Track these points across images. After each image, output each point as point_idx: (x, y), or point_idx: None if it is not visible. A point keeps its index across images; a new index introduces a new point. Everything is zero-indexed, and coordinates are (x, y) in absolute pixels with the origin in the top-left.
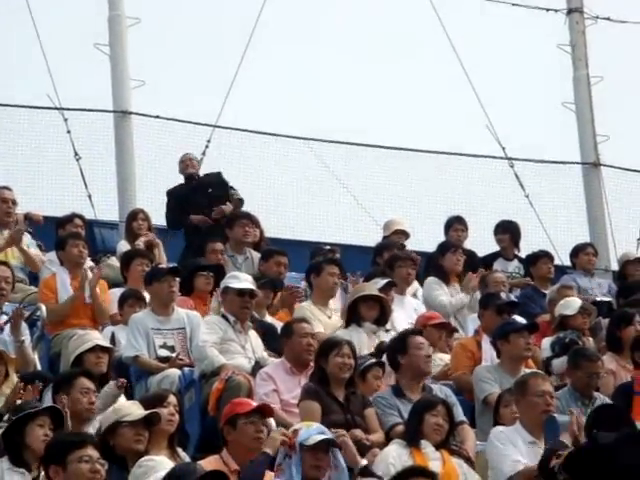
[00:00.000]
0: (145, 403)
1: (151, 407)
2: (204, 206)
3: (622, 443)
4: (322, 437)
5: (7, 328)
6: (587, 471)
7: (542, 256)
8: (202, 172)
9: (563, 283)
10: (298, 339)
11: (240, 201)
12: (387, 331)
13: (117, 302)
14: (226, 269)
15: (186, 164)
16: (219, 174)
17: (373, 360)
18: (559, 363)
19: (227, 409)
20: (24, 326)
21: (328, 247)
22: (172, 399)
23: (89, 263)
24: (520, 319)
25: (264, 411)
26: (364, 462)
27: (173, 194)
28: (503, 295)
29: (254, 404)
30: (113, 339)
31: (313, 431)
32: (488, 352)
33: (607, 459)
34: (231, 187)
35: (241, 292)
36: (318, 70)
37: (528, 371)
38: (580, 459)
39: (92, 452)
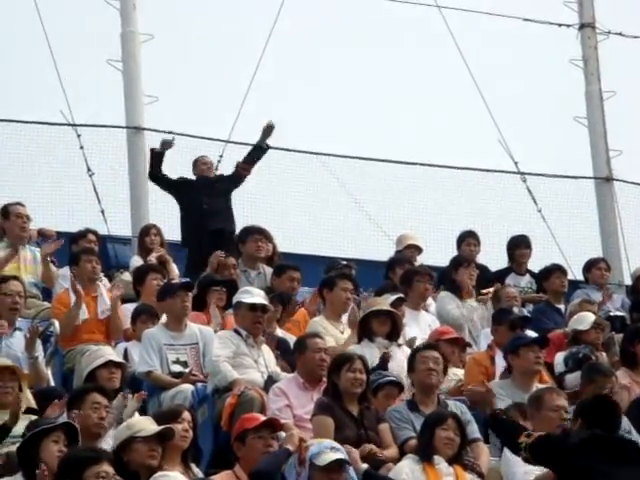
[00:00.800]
0: (159, 419)
1: (165, 423)
2: (218, 203)
3: (584, 445)
4: (335, 457)
5: (22, 344)
6: (548, 460)
7: (555, 270)
8: None
9: (585, 298)
10: (311, 354)
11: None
12: (399, 346)
13: (130, 317)
14: (239, 284)
15: (201, 168)
16: (222, 175)
17: (389, 378)
18: (573, 378)
19: (237, 425)
20: (37, 342)
21: (344, 262)
22: (186, 415)
23: (103, 279)
24: (533, 334)
25: (273, 425)
26: (365, 466)
27: (183, 179)
28: (516, 310)
29: (262, 418)
30: (126, 355)
31: (324, 447)
32: (501, 367)
33: (568, 456)
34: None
35: (253, 307)
36: (332, 85)
37: (541, 386)
38: (546, 447)
39: (108, 468)
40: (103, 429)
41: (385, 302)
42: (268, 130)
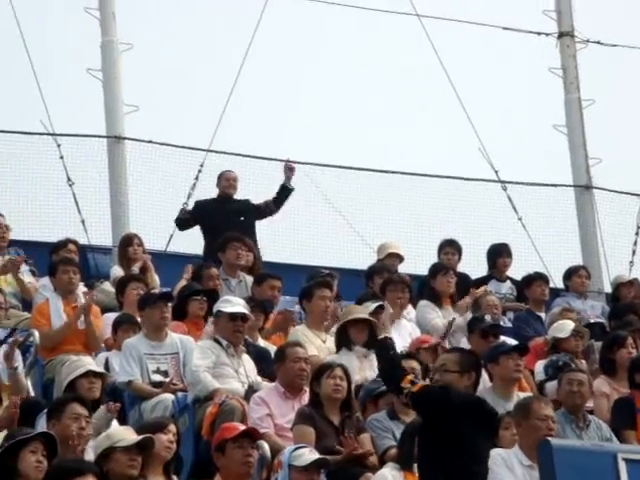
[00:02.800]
0: (146, 429)
1: (151, 433)
2: (230, 230)
3: (463, 409)
4: (316, 457)
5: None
6: (427, 412)
7: (537, 278)
8: (202, 197)
9: (565, 306)
10: (291, 364)
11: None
12: None
13: (111, 327)
14: (220, 293)
15: (230, 183)
16: (248, 201)
17: None
18: (552, 386)
19: (216, 435)
20: (17, 352)
21: (327, 271)
22: (172, 427)
23: (82, 288)
24: (512, 341)
25: (252, 435)
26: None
27: (201, 205)
28: (488, 318)
29: (241, 428)
30: (107, 365)
31: (301, 449)
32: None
33: (446, 417)
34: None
35: (233, 316)
36: (311, 94)
37: (522, 394)
38: (428, 402)
39: None
40: (83, 439)
41: (362, 310)
42: (289, 171)
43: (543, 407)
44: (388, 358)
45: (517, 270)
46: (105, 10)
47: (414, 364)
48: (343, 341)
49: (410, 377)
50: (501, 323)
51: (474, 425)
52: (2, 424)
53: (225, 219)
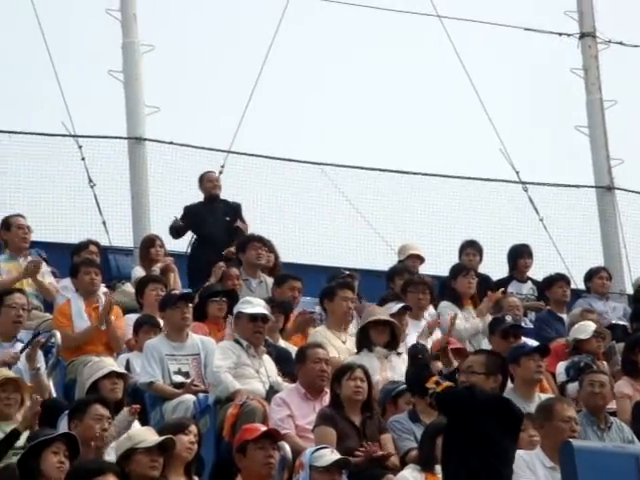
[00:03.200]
0: (167, 430)
1: (172, 434)
2: (218, 230)
3: (488, 407)
4: (337, 457)
5: (22, 356)
6: (451, 413)
7: (558, 279)
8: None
9: (585, 307)
10: (312, 365)
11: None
12: (399, 354)
13: (132, 328)
14: (240, 293)
15: (213, 184)
16: (239, 206)
17: (405, 386)
18: (574, 387)
19: (237, 436)
20: (39, 353)
21: (347, 272)
22: (193, 428)
23: (103, 289)
24: (533, 342)
25: (273, 436)
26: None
27: (190, 209)
28: (508, 318)
29: (262, 429)
30: (128, 366)
31: (322, 450)
32: None
33: (471, 416)
34: (243, 221)
35: (253, 317)
36: (332, 94)
37: (543, 396)
38: (452, 403)
39: None
40: (104, 441)
41: (384, 312)
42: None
43: (566, 408)
44: (415, 362)
45: (538, 271)
46: (126, 12)
47: (441, 365)
48: (364, 342)
49: (435, 378)
50: (522, 324)
51: (500, 426)
52: (26, 424)
53: (212, 218)
